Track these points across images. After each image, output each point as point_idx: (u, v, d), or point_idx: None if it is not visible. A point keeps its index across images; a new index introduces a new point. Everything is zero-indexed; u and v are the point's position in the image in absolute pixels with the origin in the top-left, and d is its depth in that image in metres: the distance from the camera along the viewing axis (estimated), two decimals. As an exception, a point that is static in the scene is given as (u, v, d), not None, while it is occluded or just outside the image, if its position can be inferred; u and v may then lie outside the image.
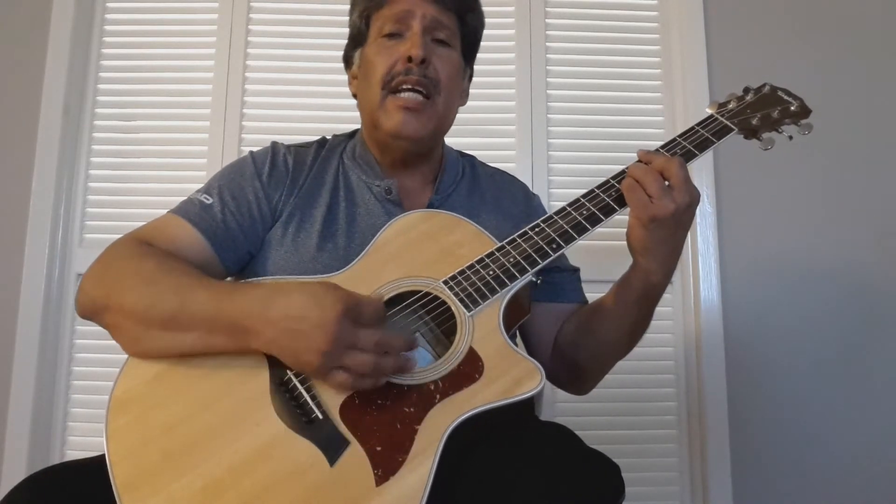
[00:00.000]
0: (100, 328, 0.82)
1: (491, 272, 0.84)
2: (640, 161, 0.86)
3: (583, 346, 0.98)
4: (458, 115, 1.06)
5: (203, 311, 0.75)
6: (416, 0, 0.97)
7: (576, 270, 1.09)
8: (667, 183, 0.83)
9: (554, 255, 0.84)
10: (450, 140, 1.10)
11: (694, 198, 0.82)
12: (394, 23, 0.97)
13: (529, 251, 0.85)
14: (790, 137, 0.93)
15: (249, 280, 0.87)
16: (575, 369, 1.01)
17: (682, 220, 0.83)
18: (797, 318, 1.66)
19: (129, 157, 1.72)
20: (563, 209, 0.88)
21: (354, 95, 1.07)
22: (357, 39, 1.03)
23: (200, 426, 0.72)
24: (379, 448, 0.71)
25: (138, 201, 1.69)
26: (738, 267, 1.68)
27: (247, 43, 1.76)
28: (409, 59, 0.94)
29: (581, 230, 0.85)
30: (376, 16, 0.99)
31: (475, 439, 0.74)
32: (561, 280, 1.04)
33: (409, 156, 1.01)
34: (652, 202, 0.81)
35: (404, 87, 0.94)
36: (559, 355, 1.01)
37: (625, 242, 0.87)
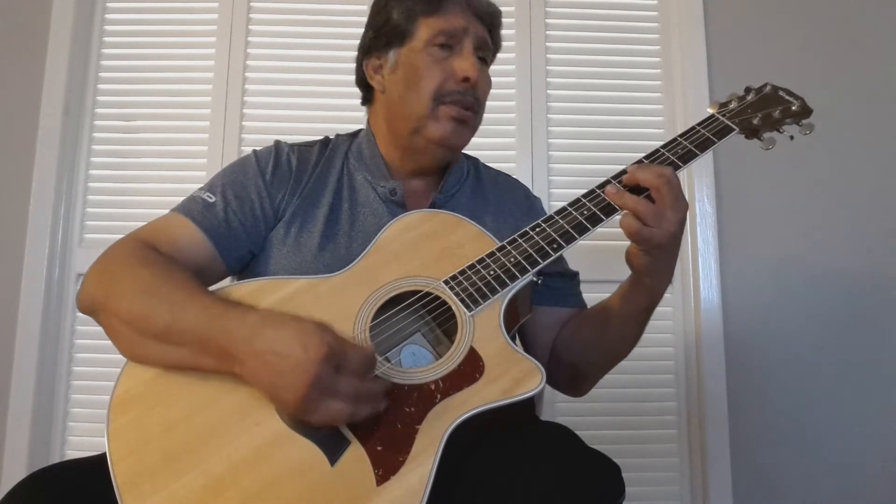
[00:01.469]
0: (100, 328, 0.82)
1: (492, 272, 0.84)
2: (626, 184, 0.85)
3: (582, 351, 0.99)
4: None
5: (193, 332, 0.74)
6: (470, 17, 0.98)
7: (575, 275, 1.09)
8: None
9: (555, 255, 0.84)
10: (450, 140, 1.10)
11: (685, 210, 0.83)
12: (447, 36, 0.97)
13: (530, 251, 0.85)
14: (791, 137, 0.93)
15: (247, 281, 0.86)
16: (573, 373, 1.01)
17: (679, 234, 0.83)
18: (797, 317, 1.66)
19: (129, 157, 1.72)
20: (564, 209, 0.88)
21: (364, 84, 1.06)
22: (394, 36, 1.00)
23: (201, 425, 0.72)
24: (379, 448, 0.71)
25: (138, 201, 1.69)
26: (738, 267, 1.68)
27: (247, 43, 1.76)
28: (465, 80, 0.96)
29: (582, 230, 0.85)
30: (426, 21, 0.97)
31: (476, 439, 0.74)
32: (560, 285, 1.05)
33: (436, 163, 1.02)
34: (653, 232, 0.80)
35: (455, 103, 0.96)
36: (557, 359, 1.01)
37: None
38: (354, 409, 0.70)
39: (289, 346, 0.69)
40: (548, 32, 1.79)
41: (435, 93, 0.96)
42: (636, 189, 0.83)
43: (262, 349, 0.70)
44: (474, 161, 1.13)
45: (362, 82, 1.07)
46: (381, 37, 1.01)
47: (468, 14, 0.98)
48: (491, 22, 1.02)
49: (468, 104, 0.98)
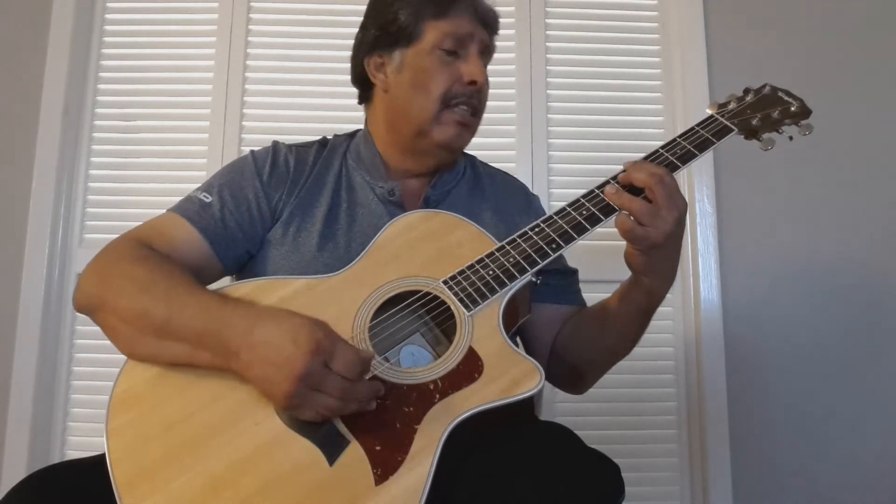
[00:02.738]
0: (100, 328, 0.82)
1: (490, 272, 0.84)
2: (622, 184, 0.85)
3: (582, 350, 0.99)
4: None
5: (191, 326, 0.75)
6: (475, 23, 1.00)
7: (574, 273, 1.09)
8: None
9: (553, 255, 0.84)
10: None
11: (682, 210, 0.82)
12: (455, 41, 0.98)
13: (529, 251, 0.85)
14: (790, 138, 0.93)
15: (246, 281, 0.86)
16: (573, 371, 1.01)
17: (676, 233, 0.82)
18: (797, 317, 1.66)
19: (129, 157, 1.72)
20: (563, 209, 0.88)
21: (362, 82, 1.06)
22: (401, 37, 0.99)
23: (200, 425, 0.72)
24: (378, 447, 0.71)
25: (138, 201, 1.69)
26: (738, 267, 1.68)
27: (247, 43, 1.76)
28: (472, 83, 0.98)
29: (581, 230, 0.85)
30: (434, 24, 0.98)
31: (475, 439, 0.74)
32: (560, 282, 1.05)
33: (438, 165, 1.03)
34: (648, 231, 0.80)
35: (461, 106, 0.98)
36: (557, 357, 1.01)
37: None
38: (341, 404, 0.71)
39: (281, 339, 0.70)
40: (548, 32, 1.79)
41: (443, 96, 0.97)
42: (635, 189, 0.83)
43: (256, 342, 0.71)
44: (471, 159, 1.13)
45: (360, 80, 1.06)
46: (386, 36, 1.00)
47: (474, 19, 1.00)
48: (493, 27, 1.04)
49: (474, 107, 1.00)
